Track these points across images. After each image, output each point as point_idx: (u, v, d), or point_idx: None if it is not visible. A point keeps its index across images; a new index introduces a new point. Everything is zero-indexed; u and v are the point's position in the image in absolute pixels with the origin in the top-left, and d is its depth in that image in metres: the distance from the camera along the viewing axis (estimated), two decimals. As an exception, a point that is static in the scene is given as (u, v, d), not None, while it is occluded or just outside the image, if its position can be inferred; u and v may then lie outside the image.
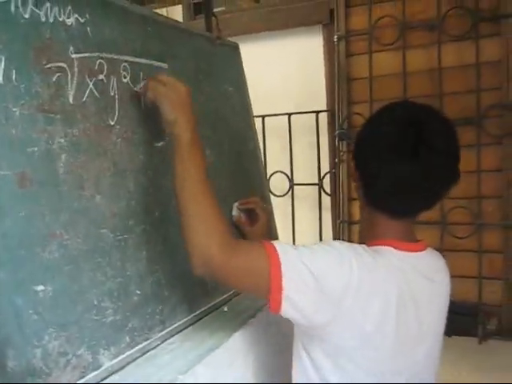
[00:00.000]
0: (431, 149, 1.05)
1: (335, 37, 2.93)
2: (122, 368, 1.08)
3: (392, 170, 1.07)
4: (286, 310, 1.02)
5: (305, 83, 3.14)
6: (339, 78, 2.95)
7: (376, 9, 2.82)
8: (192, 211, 1.08)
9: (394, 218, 1.13)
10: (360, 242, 1.14)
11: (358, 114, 2.91)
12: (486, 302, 2.65)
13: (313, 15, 3.05)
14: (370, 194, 1.15)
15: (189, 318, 1.32)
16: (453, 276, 2.70)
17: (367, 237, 1.16)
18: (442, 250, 2.68)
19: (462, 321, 2.54)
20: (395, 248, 1.11)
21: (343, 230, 3.00)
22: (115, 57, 1.20)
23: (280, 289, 1.01)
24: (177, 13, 3.16)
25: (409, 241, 1.14)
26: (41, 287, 0.94)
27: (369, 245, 1.12)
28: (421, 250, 1.16)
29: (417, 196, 1.10)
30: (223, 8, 3.13)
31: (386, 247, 1.11)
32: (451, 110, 2.70)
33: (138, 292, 1.17)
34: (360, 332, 1.04)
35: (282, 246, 1.06)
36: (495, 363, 2.39)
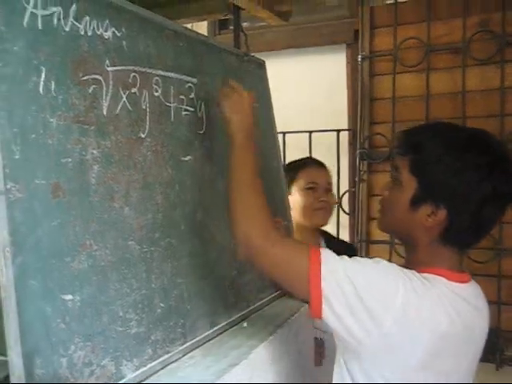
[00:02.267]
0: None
1: (359, 57, 2.94)
2: (144, 380, 1.08)
3: (484, 214, 1.06)
4: (326, 314, 1.02)
5: (328, 101, 3.15)
6: (362, 98, 2.95)
7: (401, 30, 2.83)
8: (238, 199, 1.18)
9: (459, 251, 1.11)
10: (405, 267, 1.09)
11: (379, 134, 2.90)
12: (504, 327, 2.61)
13: (338, 35, 3.07)
14: (451, 231, 1.08)
15: (209, 332, 1.32)
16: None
17: (417, 263, 1.11)
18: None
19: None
20: (447, 278, 1.07)
21: (361, 250, 2.98)
22: (148, 71, 1.22)
23: (319, 289, 1.02)
24: (202, 27, 3.20)
25: (458, 271, 1.11)
26: (69, 297, 0.94)
27: (418, 271, 1.07)
28: (468, 281, 1.12)
29: (489, 232, 1.11)
30: (248, 23, 3.15)
31: (438, 276, 1.06)
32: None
33: (162, 305, 1.18)
34: (403, 363, 1.02)
35: (326, 251, 1.08)
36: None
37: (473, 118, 2.68)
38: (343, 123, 3.15)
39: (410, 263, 1.13)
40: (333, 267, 1.03)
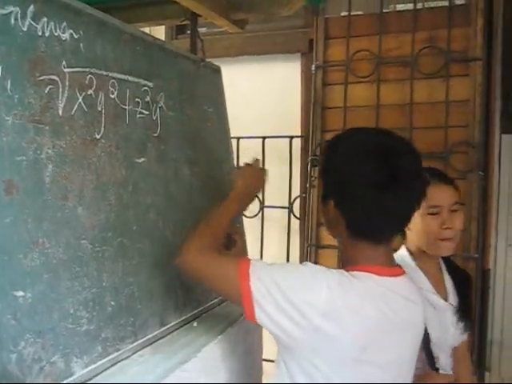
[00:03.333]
0: (406, 174, 1.09)
1: (313, 66, 3.01)
2: (93, 377, 1.10)
3: (375, 201, 1.09)
4: (259, 316, 1.09)
5: (281, 109, 3.21)
6: (314, 106, 3.03)
7: (353, 42, 2.92)
8: (202, 229, 1.30)
9: (374, 243, 1.15)
10: (342, 268, 1.17)
11: (330, 141, 2.98)
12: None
13: (293, 44, 3.14)
14: (352, 223, 1.15)
15: (160, 331, 1.35)
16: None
17: (346, 262, 1.19)
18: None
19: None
20: (375, 274, 1.12)
21: (311, 254, 3.05)
22: (104, 73, 1.24)
23: (250, 295, 1.09)
24: (159, 31, 3.21)
25: (388, 266, 1.17)
26: (20, 293, 0.95)
27: (347, 270, 1.13)
28: (399, 275, 1.17)
29: (394, 220, 1.15)
30: (204, 28, 3.19)
31: (365, 273, 1.12)
32: (420, 144, 2.77)
33: (113, 303, 1.19)
34: (339, 357, 1.08)
35: (255, 260, 1.16)
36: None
37: (419, 129, 2.80)
38: (296, 130, 3.22)
39: (343, 264, 1.23)
40: (260, 273, 1.11)
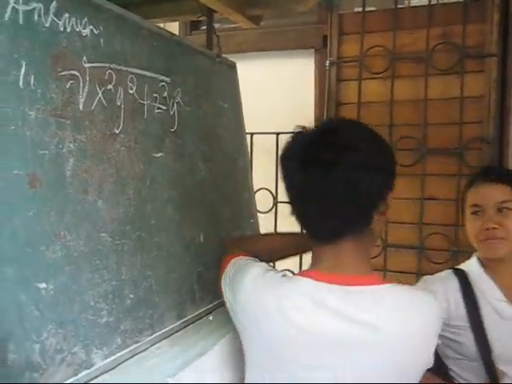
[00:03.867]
0: (324, 163, 1.03)
1: (327, 62, 3.01)
2: (113, 368, 1.12)
3: (300, 196, 1.09)
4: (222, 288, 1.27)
5: (295, 104, 3.21)
6: (329, 102, 3.03)
7: (368, 38, 2.91)
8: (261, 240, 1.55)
9: (322, 244, 1.09)
10: None
11: (344, 137, 2.98)
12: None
13: (307, 40, 3.14)
14: (298, 223, 1.13)
15: (176, 324, 1.37)
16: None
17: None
18: (418, 274, 2.75)
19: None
20: (313, 278, 1.06)
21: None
22: (124, 68, 1.25)
23: (222, 272, 1.28)
24: (173, 27, 3.22)
25: (338, 270, 1.06)
26: (43, 285, 0.97)
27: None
28: (358, 284, 1.04)
29: (325, 213, 1.05)
30: (218, 25, 3.19)
31: (304, 278, 1.08)
32: (435, 140, 2.80)
33: (131, 296, 1.21)
34: (251, 345, 1.15)
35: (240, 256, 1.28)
36: None
37: (434, 125, 2.79)
38: (310, 126, 3.22)
39: None
40: (231, 264, 1.25)
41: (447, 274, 1.66)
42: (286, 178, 1.10)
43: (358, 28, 2.95)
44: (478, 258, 1.61)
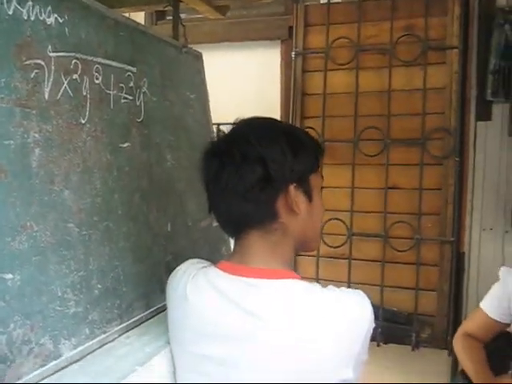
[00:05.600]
0: (219, 156, 1.06)
1: (293, 53, 3.04)
2: (82, 358, 1.12)
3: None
4: None
5: (261, 95, 3.23)
6: (295, 93, 3.06)
7: (333, 29, 2.95)
8: None
9: (234, 239, 1.11)
10: None
11: (310, 127, 3.01)
12: (420, 312, 2.79)
13: (273, 31, 3.15)
14: None
15: (145, 313, 1.37)
16: (392, 287, 2.83)
17: None
18: (383, 261, 2.82)
19: (398, 329, 2.69)
20: (219, 268, 1.08)
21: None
22: (89, 58, 1.24)
23: None
24: (138, 17, 3.19)
25: (244, 263, 1.07)
26: (9, 276, 0.96)
27: None
28: (259, 277, 1.03)
29: (231, 209, 1.06)
30: (184, 15, 3.17)
31: (213, 268, 1.10)
32: (398, 130, 2.86)
33: (99, 286, 1.21)
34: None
35: None
36: (426, 369, 2.54)
37: (398, 116, 2.85)
38: (276, 116, 3.24)
39: None
40: None
41: None
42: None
43: (323, 19, 2.98)
44: None
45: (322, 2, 3.05)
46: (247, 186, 1.02)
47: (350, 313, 1.01)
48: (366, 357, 1.05)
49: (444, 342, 2.70)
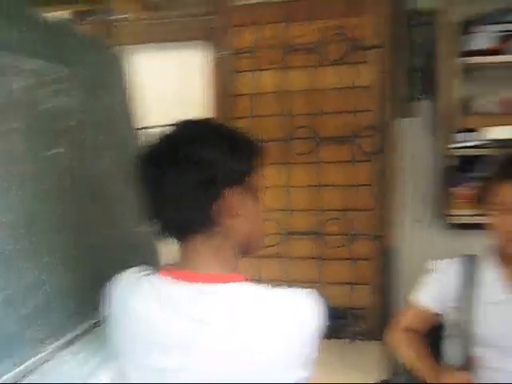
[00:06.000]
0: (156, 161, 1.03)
1: (220, 53, 3.01)
2: (19, 380, 1.05)
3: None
4: None
5: (190, 97, 3.18)
6: (223, 94, 3.03)
7: (260, 29, 2.94)
8: None
9: (179, 243, 1.09)
10: None
11: (241, 128, 2.99)
12: (355, 305, 2.85)
13: (199, 31, 3.10)
14: None
15: (80, 330, 1.30)
16: (328, 283, 2.85)
17: None
18: (319, 258, 2.85)
19: (336, 324, 2.73)
20: (163, 274, 1.06)
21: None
22: (13, 58, 1.17)
23: None
24: (64, 17, 3.06)
25: (188, 268, 1.05)
26: None
27: None
28: (206, 282, 1.02)
29: (170, 213, 1.04)
30: (109, 15, 3.08)
31: (157, 274, 1.07)
32: (330, 128, 2.90)
33: (28, 304, 1.14)
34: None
35: None
36: (363, 361, 2.59)
37: (329, 114, 2.88)
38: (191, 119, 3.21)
39: None
40: None
41: (458, 258, 1.79)
42: None
43: (249, 19, 2.97)
44: (492, 249, 1.71)
45: (248, 2, 3.04)
46: (188, 190, 0.99)
47: (300, 313, 1.01)
48: (316, 354, 1.05)
49: (379, 334, 2.76)
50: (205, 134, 1.05)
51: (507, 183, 1.56)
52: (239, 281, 1.04)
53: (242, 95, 3.03)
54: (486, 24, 2.62)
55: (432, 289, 1.82)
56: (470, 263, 1.74)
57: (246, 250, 1.13)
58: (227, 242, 1.06)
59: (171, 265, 1.08)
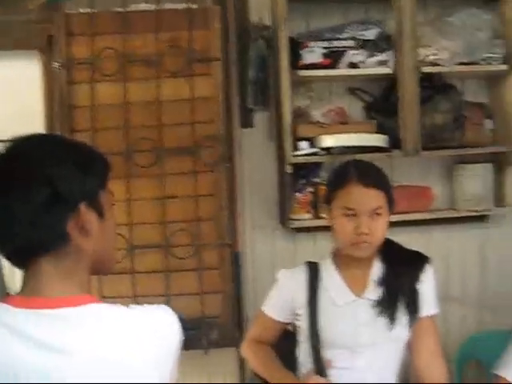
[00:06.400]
0: None
1: (56, 64, 2.87)
2: None
3: None
4: None
5: (22, 109, 3.00)
6: (60, 106, 2.89)
7: (98, 40, 2.85)
8: None
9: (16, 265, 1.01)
10: None
11: (80, 141, 2.89)
12: (208, 315, 2.87)
13: (31, 40, 2.93)
14: None
15: None
16: (178, 295, 2.86)
17: None
18: (167, 271, 2.83)
19: (190, 335, 2.71)
20: (11, 304, 0.96)
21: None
22: None
23: None
24: None
25: (37, 294, 0.97)
26: None
27: None
28: (56, 307, 0.95)
29: (12, 236, 0.96)
30: None
31: (3, 304, 0.98)
32: (171, 140, 2.90)
33: None
34: None
35: None
36: (220, 369, 2.63)
37: (169, 126, 2.89)
38: (40, 131, 3.04)
39: None
40: None
41: (301, 266, 1.88)
42: None
43: (86, 29, 2.88)
44: (333, 252, 1.84)
45: (84, 10, 2.93)
46: (34, 210, 0.93)
47: (158, 330, 1.00)
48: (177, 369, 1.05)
49: (234, 341, 2.82)
50: (53, 148, 1.00)
51: (346, 188, 1.70)
52: (93, 302, 0.99)
53: (80, 107, 2.92)
54: (318, 40, 2.84)
55: (277, 299, 1.91)
56: (313, 269, 1.84)
57: (98, 269, 1.09)
58: (79, 262, 1.01)
59: (18, 293, 0.99)
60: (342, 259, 1.82)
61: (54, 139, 1.06)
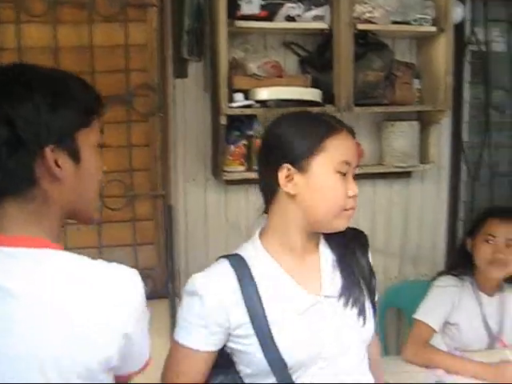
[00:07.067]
0: None
1: (-23, 1, 2.68)
2: None
3: None
4: None
5: None
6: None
7: (24, -23, 2.69)
8: None
9: None
10: None
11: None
12: (142, 266, 2.87)
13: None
14: None
15: None
16: (111, 246, 2.83)
17: None
18: (99, 222, 2.79)
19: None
20: None
21: None
22: None
23: None
24: None
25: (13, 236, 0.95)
26: None
27: None
28: (14, 246, 0.94)
29: None
30: None
31: None
32: (102, 87, 2.78)
33: None
34: None
35: None
36: (154, 321, 2.64)
37: (101, 73, 2.79)
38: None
39: None
40: None
41: (221, 266, 1.42)
42: None
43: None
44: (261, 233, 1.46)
45: None
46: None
47: (122, 289, 0.99)
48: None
49: (165, 292, 2.84)
50: (15, 84, 0.93)
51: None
52: (50, 247, 0.96)
53: (6, 49, 2.75)
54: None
55: (198, 321, 1.43)
56: (241, 267, 1.40)
57: (76, 217, 1.06)
58: (47, 208, 0.97)
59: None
60: (275, 246, 1.43)
61: (26, 72, 0.97)
